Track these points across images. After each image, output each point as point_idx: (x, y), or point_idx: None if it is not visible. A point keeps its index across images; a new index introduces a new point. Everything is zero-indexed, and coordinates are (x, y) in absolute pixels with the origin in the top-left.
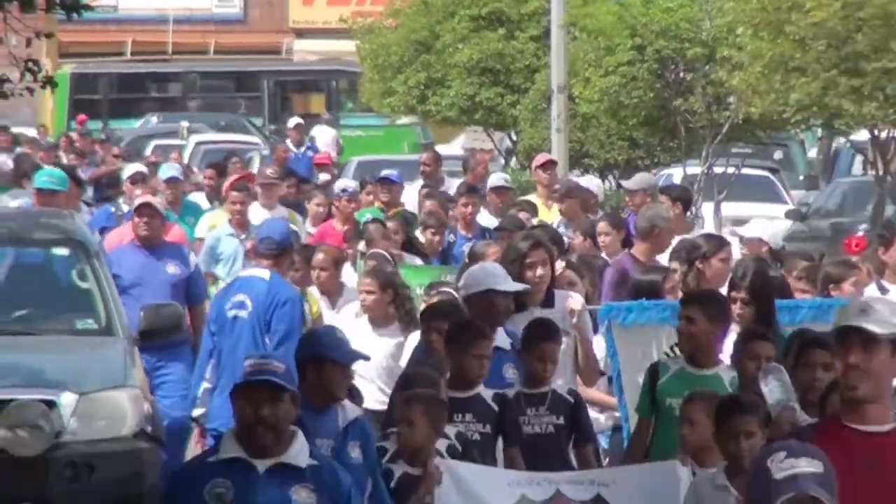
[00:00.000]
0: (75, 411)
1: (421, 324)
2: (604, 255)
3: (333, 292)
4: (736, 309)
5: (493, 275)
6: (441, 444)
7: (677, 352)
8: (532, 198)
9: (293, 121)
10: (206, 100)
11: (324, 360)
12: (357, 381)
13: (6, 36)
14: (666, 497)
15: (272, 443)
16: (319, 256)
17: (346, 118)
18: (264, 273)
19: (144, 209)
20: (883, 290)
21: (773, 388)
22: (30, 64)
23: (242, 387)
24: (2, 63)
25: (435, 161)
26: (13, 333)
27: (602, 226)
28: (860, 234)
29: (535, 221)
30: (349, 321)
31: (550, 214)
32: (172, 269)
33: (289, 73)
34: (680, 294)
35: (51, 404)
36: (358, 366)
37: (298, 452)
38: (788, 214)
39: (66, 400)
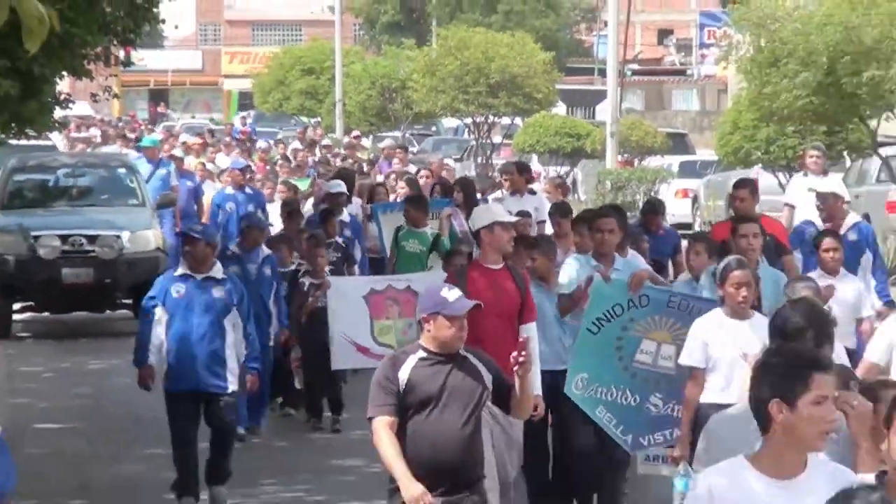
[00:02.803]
0: (129, 239)
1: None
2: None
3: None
4: (458, 197)
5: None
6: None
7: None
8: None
9: (241, 113)
10: None
11: (241, 226)
12: None
13: (95, 74)
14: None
15: (192, 264)
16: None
17: None
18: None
19: (171, 158)
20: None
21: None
22: (107, 88)
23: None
24: (93, 87)
25: (304, 132)
26: (101, 206)
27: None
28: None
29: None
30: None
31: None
32: (189, 183)
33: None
34: None
35: (118, 236)
36: None
37: (217, 271)
38: (422, 154)
39: (125, 235)
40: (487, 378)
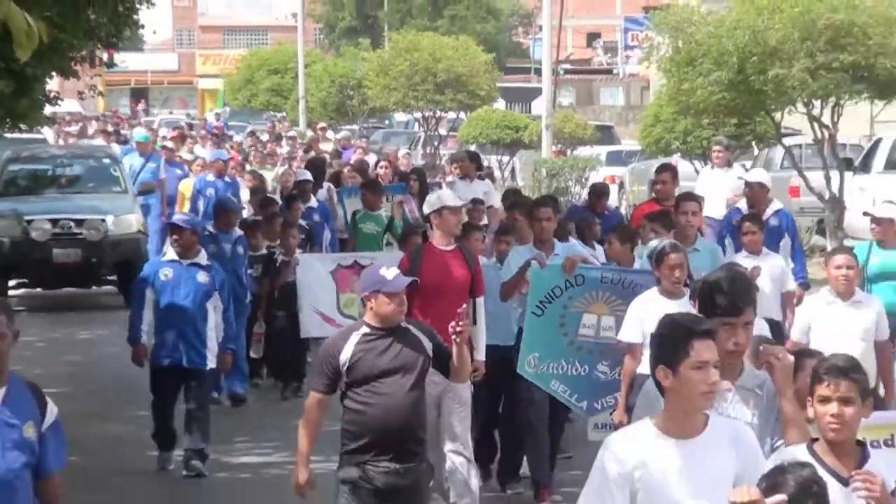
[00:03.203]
0: (113, 223)
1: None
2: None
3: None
4: (414, 186)
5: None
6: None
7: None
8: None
9: (217, 110)
10: None
11: (218, 210)
12: None
13: (82, 74)
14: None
15: (179, 251)
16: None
17: None
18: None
19: (164, 149)
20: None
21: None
22: (92, 86)
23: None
24: (80, 86)
25: (274, 126)
26: (88, 192)
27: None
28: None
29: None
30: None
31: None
32: (178, 171)
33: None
34: None
35: (103, 220)
36: None
37: (202, 258)
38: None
39: (109, 218)
40: (428, 346)
